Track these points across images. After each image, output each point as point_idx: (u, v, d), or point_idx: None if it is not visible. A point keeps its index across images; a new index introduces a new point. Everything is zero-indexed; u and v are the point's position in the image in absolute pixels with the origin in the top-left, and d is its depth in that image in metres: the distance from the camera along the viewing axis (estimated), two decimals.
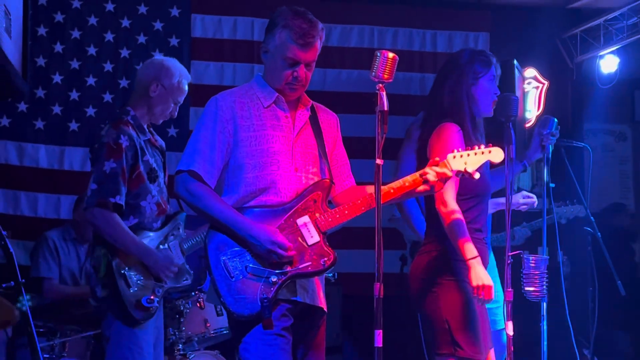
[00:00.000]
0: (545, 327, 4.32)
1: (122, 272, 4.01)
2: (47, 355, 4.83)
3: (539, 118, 4.58)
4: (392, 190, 3.33)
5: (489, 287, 3.57)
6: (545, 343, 4.30)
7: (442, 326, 3.71)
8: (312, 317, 3.42)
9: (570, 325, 4.62)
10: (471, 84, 3.87)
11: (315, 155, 3.45)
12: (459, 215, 3.66)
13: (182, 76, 4.30)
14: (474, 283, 3.58)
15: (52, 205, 6.53)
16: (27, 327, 3.62)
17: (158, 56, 4.40)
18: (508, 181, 3.70)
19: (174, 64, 4.34)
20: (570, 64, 7.68)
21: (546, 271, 3.92)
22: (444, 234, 3.74)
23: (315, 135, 3.47)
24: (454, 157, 3.33)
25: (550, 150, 4.37)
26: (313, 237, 3.30)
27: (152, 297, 4.04)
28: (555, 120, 4.39)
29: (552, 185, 4.52)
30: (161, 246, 4.19)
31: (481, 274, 3.59)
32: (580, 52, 7.60)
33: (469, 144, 3.68)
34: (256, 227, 3.24)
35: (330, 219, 3.31)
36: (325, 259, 3.28)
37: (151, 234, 4.18)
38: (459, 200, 3.74)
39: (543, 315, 4.33)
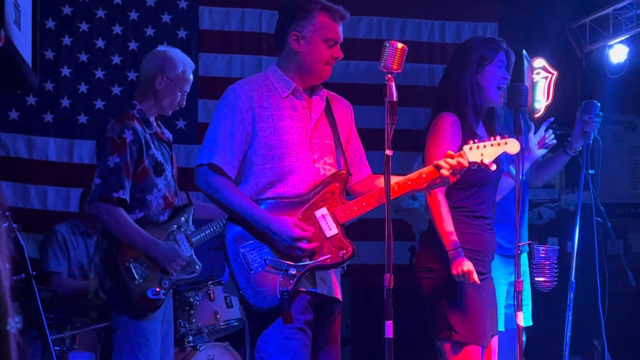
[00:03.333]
0: (570, 318, 4.30)
1: (127, 264, 4.01)
2: (58, 348, 4.84)
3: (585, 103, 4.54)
4: (409, 182, 3.32)
5: (469, 272, 3.63)
6: (569, 334, 4.28)
7: (440, 311, 3.77)
8: (329, 308, 3.43)
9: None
10: (476, 72, 3.87)
11: (331, 146, 3.45)
12: (441, 204, 3.71)
13: (185, 65, 4.31)
14: (454, 272, 3.63)
15: (61, 198, 6.54)
16: (38, 320, 3.63)
17: (160, 48, 4.40)
18: (518, 172, 3.69)
19: (176, 54, 4.35)
20: (579, 53, 7.65)
21: (556, 261, 3.92)
22: None
23: (331, 126, 3.48)
24: (470, 148, 3.33)
25: (592, 136, 4.36)
26: (331, 229, 3.29)
27: (157, 289, 4.04)
28: (598, 103, 4.38)
29: (591, 171, 4.49)
30: (167, 239, 4.19)
31: (459, 263, 3.65)
32: (590, 42, 7.57)
33: (468, 135, 3.70)
34: (276, 222, 3.23)
35: (348, 211, 3.31)
36: (344, 251, 3.29)
37: (157, 227, 4.18)
38: (452, 190, 3.76)
39: (569, 306, 4.30)
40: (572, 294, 4.27)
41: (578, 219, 4.32)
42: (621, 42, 7.33)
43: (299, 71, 3.44)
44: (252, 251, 3.27)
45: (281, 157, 3.33)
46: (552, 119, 4.38)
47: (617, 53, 7.38)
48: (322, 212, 3.31)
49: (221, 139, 3.33)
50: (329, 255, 3.28)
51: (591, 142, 4.37)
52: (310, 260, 3.26)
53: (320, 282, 3.34)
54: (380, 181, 3.38)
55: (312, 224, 3.29)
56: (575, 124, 4.42)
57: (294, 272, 3.24)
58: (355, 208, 3.32)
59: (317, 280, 3.33)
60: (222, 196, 3.30)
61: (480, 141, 3.35)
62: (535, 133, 4.22)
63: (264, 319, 3.26)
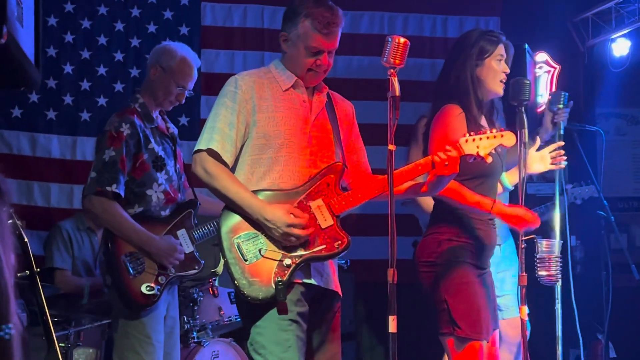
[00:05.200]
0: (560, 311, 4.32)
1: (121, 259, 4.01)
2: (63, 344, 4.84)
3: (553, 95, 4.52)
4: (404, 174, 3.33)
5: (524, 220, 3.66)
6: (560, 327, 4.30)
7: (442, 306, 3.78)
8: (327, 301, 3.44)
9: (576, 309, 4.62)
10: (476, 65, 3.88)
11: (330, 141, 3.46)
12: (454, 184, 3.69)
13: (185, 58, 4.27)
14: (514, 223, 3.66)
15: (65, 195, 6.54)
16: (43, 317, 3.64)
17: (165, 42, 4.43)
18: (521, 166, 3.70)
19: (177, 46, 4.34)
20: (581, 47, 7.63)
21: (560, 255, 3.91)
22: (445, 216, 3.78)
23: (331, 121, 3.49)
24: (466, 140, 3.34)
25: (563, 127, 4.36)
26: (327, 220, 3.31)
27: (152, 285, 4.03)
28: (567, 94, 4.38)
29: (564, 163, 4.49)
30: (167, 234, 4.18)
31: (509, 213, 3.67)
32: (592, 36, 7.55)
33: (473, 127, 3.70)
34: (271, 210, 3.25)
35: (343, 202, 3.32)
36: (339, 242, 3.30)
37: (158, 222, 4.17)
38: (459, 181, 3.76)
39: (557, 299, 4.32)
40: (558, 287, 4.29)
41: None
42: (623, 35, 7.31)
43: (291, 70, 3.46)
44: (246, 242, 3.28)
45: (277, 147, 3.35)
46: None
47: (620, 47, 7.36)
48: (317, 203, 3.33)
49: (220, 126, 3.35)
50: (324, 246, 3.29)
51: (563, 131, 4.38)
52: (305, 251, 3.27)
53: (316, 273, 3.35)
54: (379, 177, 3.39)
55: (308, 215, 3.30)
56: (544, 116, 4.42)
57: (289, 263, 3.25)
58: (351, 199, 3.33)
59: (312, 272, 3.34)
60: (219, 183, 3.31)
61: (476, 133, 3.37)
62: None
63: (258, 309, 3.27)
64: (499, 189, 4.19)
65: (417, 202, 4.90)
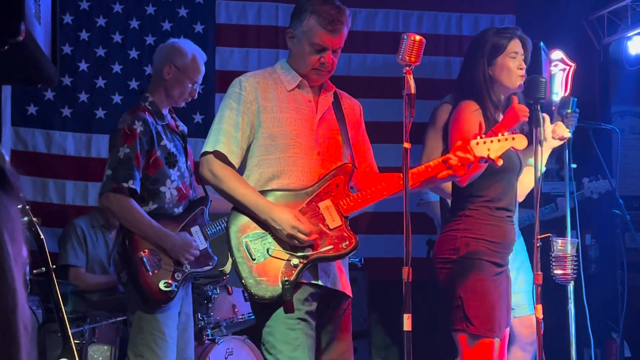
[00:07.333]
0: (572, 311, 4.30)
1: (139, 256, 4.03)
2: (77, 341, 4.85)
3: (562, 100, 4.51)
4: (414, 175, 3.32)
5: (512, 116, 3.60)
6: (574, 327, 4.28)
7: (456, 303, 3.78)
8: (335, 302, 3.43)
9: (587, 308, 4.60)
10: (488, 65, 3.87)
11: (337, 140, 3.46)
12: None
13: (195, 55, 4.31)
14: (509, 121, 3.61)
15: (80, 192, 6.57)
16: (58, 313, 3.65)
17: (171, 40, 4.47)
18: (536, 165, 3.69)
19: (185, 43, 4.38)
20: (597, 45, 7.59)
21: (575, 254, 3.90)
22: (462, 213, 3.79)
23: (338, 121, 3.49)
24: (477, 143, 3.33)
25: (572, 131, 4.33)
26: (335, 220, 3.31)
27: (169, 281, 4.05)
28: (575, 99, 4.37)
29: (573, 166, 4.47)
30: (181, 231, 4.20)
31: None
32: (608, 34, 7.51)
33: (489, 123, 3.71)
34: (278, 211, 3.25)
35: (352, 203, 3.32)
36: (347, 242, 3.30)
37: (172, 219, 4.19)
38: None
39: (569, 299, 4.31)
40: (570, 287, 4.27)
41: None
42: (639, 33, 7.28)
43: (296, 68, 3.46)
44: (255, 241, 3.29)
45: (285, 148, 3.36)
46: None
47: (636, 45, 7.33)
48: (326, 204, 3.33)
49: (226, 128, 3.37)
50: (332, 247, 3.29)
51: (572, 135, 4.35)
52: (313, 251, 3.27)
53: (323, 274, 3.35)
54: (387, 176, 3.38)
55: (316, 215, 3.32)
56: (554, 121, 4.40)
57: (296, 263, 3.26)
58: (360, 200, 3.34)
59: (320, 273, 3.34)
60: (227, 185, 3.33)
61: (487, 135, 3.35)
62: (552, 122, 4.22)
63: (267, 309, 3.28)
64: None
65: (434, 204, 4.91)
